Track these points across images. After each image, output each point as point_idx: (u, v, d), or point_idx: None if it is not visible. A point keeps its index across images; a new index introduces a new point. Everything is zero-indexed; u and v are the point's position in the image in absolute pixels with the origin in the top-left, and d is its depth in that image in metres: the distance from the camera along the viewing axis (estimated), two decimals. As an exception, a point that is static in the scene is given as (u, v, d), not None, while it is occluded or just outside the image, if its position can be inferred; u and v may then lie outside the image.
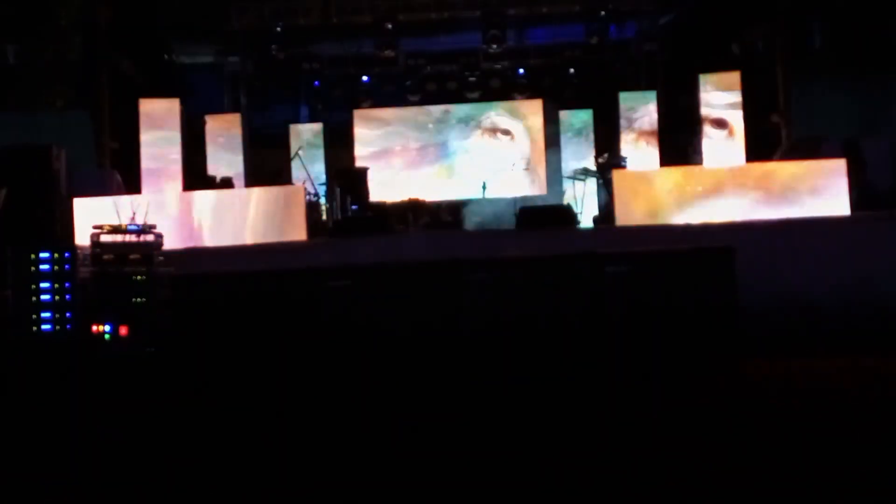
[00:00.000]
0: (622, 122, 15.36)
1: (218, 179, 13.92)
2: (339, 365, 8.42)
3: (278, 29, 16.85)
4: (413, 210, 15.18)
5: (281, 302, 8.58)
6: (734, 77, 14.16)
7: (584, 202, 13.44)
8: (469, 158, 17.83)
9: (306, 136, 16.46)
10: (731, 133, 12.75)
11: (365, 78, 18.07)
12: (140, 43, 15.14)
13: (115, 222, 8.80)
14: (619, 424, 6.21)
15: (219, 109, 16.65)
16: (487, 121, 17.97)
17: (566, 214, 11.92)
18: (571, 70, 17.57)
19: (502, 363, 8.31)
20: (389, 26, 16.60)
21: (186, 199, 11.58)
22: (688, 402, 6.99)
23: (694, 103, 14.76)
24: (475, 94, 18.10)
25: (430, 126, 18.01)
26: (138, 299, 8.42)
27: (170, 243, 9.23)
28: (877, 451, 5.17)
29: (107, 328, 8.35)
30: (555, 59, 17.53)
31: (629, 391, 7.48)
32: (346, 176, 13.59)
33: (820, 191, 10.78)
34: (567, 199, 14.76)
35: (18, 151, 10.49)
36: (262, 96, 17.85)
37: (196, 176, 14.42)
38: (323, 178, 15.55)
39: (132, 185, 12.98)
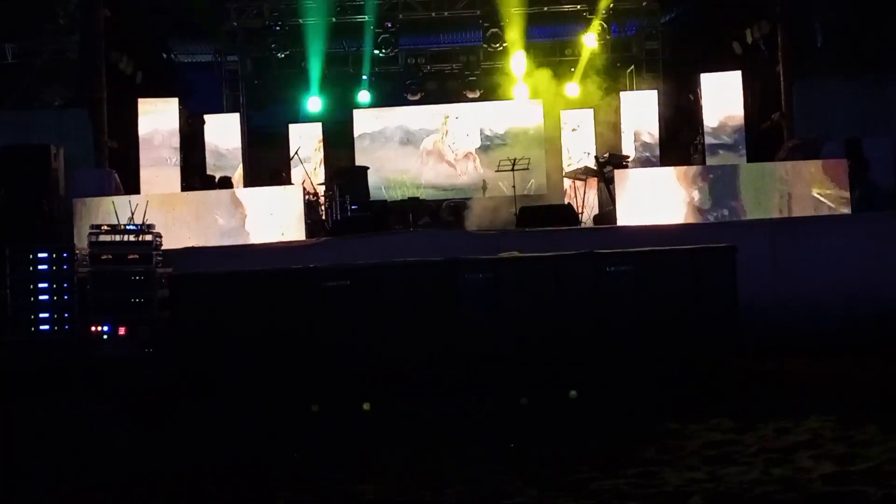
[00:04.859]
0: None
1: (217, 179, 13.88)
2: (338, 364, 8.39)
3: (277, 28, 16.81)
4: (413, 209, 15.13)
5: (280, 302, 8.55)
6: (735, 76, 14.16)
7: (584, 201, 13.41)
8: (469, 157, 17.80)
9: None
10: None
11: (365, 77, 18.02)
12: (139, 42, 15.08)
13: (114, 222, 8.78)
14: (619, 423, 6.18)
15: (218, 109, 16.59)
16: (488, 119, 17.93)
17: (567, 214, 11.88)
18: (572, 69, 17.52)
19: (502, 362, 8.28)
20: (389, 25, 16.55)
21: (185, 198, 11.54)
22: (688, 400, 6.97)
23: (695, 102, 14.74)
24: (475, 94, 18.05)
25: (431, 125, 17.97)
26: (137, 299, 8.40)
27: (168, 243, 9.20)
28: (877, 448, 5.15)
29: (105, 328, 8.33)
30: (555, 58, 17.47)
31: (630, 390, 7.46)
32: (345, 175, 13.54)
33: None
34: (568, 198, 14.72)
35: (17, 150, 10.45)
36: (261, 95, 17.79)
37: (195, 175, 14.38)
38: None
39: (131, 184, 12.94)
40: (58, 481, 5.21)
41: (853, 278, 9.34)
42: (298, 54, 17.53)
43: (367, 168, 14.18)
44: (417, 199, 16.29)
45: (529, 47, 17.83)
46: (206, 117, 15.69)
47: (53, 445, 6.27)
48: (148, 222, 8.81)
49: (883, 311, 9.13)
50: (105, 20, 12.99)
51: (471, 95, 18.02)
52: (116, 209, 9.16)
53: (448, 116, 17.84)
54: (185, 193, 12.53)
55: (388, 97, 18.29)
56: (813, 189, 10.73)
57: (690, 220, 10.63)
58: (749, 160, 13.43)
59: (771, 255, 9.44)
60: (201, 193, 12.05)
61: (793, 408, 6.47)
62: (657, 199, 10.79)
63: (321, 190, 13.59)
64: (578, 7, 16.64)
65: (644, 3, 16.66)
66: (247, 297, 8.59)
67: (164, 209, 10.51)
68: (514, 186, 13.98)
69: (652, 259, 8.63)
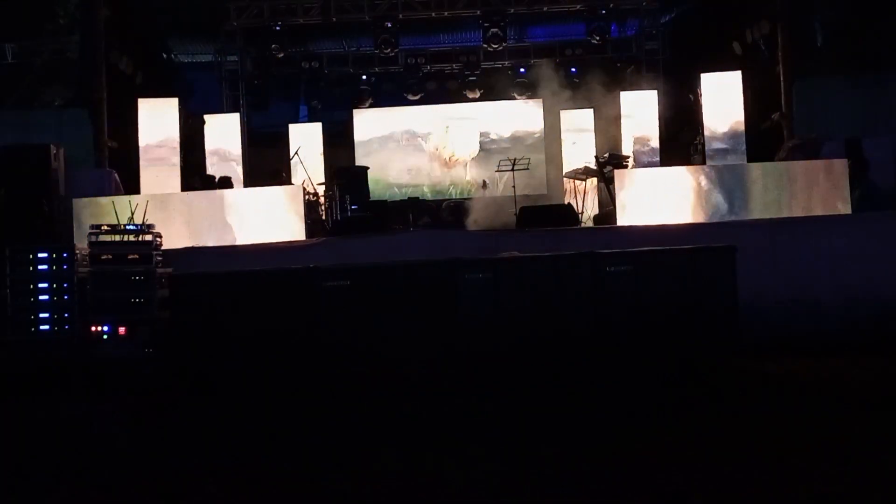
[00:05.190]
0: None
1: (217, 179, 13.88)
2: (338, 364, 8.39)
3: (277, 28, 16.81)
4: (413, 209, 15.13)
5: (280, 302, 8.55)
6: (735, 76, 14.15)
7: (584, 201, 13.40)
8: (469, 157, 17.81)
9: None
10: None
11: (364, 77, 18.04)
12: (139, 42, 15.08)
13: (114, 222, 8.77)
14: (620, 423, 6.18)
15: (218, 109, 16.59)
16: (488, 120, 17.93)
17: (567, 214, 11.88)
18: (573, 69, 17.53)
19: (502, 362, 8.29)
20: (389, 25, 16.56)
21: (186, 198, 11.54)
22: (688, 400, 6.97)
23: (696, 102, 14.74)
24: (475, 94, 18.06)
25: (432, 125, 17.97)
26: (137, 299, 8.40)
27: (168, 243, 9.20)
28: (878, 448, 5.15)
29: (105, 328, 8.32)
30: (556, 58, 17.48)
31: (630, 390, 7.46)
32: (345, 175, 13.54)
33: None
34: (568, 198, 14.71)
35: (17, 150, 10.45)
36: (261, 95, 17.80)
37: (195, 175, 14.38)
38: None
39: (131, 184, 12.94)
40: (58, 481, 5.21)
41: (853, 278, 9.34)
42: (298, 54, 17.55)
43: (367, 168, 14.19)
44: (417, 199, 16.29)
45: (530, 47, 17.86)
46: (206, 117, 15.68)
47: (53, 445, 6.27)
48: (148, 222, 8.80)
49: (883, 311, 9.12)
50: (105, 20, 12.98)
51: (471, 95, 18.03)
52: (116, 209, 9.16)
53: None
54: (184, 193, 12.52)
55: (388, 97, 18.30)
56: (812, 189, 10.73)
57: (690, 220, 10.62)
58: (749, 160, 13.42)
59: (771, 255, 9.43)
60: (201, 193, 12.03)
61: (793, 408, 6.48)
62: (657, 198, 10.78)
63: (321, 190, 13.59)
64: (579, 6, 16.64)
65: (644, 3, 16.66)
66: (247, 297, 8.60)
67: (163, 209, 10.51)
68: (514, 186, 13.98)
69: (652, 259, 8.64)
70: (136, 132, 13.76)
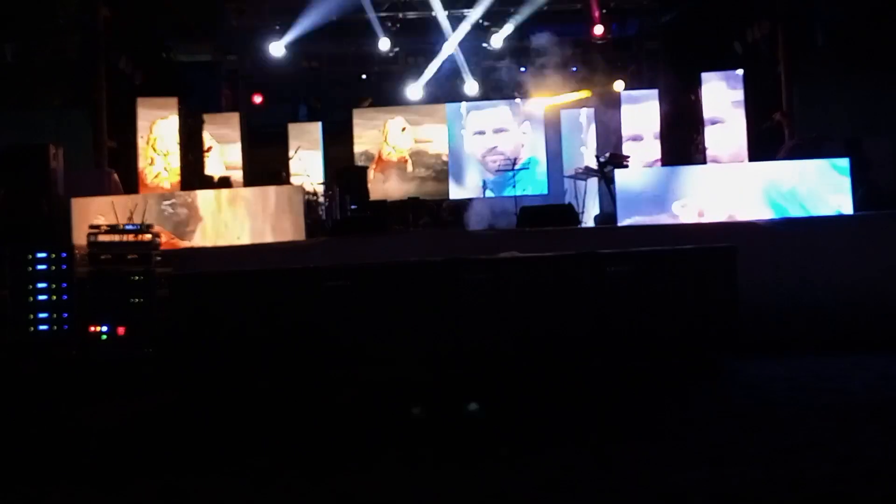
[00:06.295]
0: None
1: (216, 178, 13.88)
2: (337, 364, 8.38)
3: (277, 27, 16.82)
4: (413, 209, 15.14)
5: (280, 302, 8.54)
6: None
7: (585, 201, 13.41)
8: (469, 157, 17.80)
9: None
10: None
11: (364, 76, 18.05)
12: (139, 42, 15.09)
13: (113, 222, 8.77)
14: (619, 423, 6.18)
15: (218, 108, 16.60)
16: (488, 119, 17.93)
17: (567, 214, 11.88)
18: (573, 68, 17.53)
19: (502, 363, 8.28)
20: (389, 25, 16.56)
21: (185, 198, 11.54)
22: (689, 401, 6.96)
23: (696, 101, 14.75)
24: (476, 93, 18.07)
25: (431, 124, 17.97)
26: (136, 299, 8.38)
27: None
28: (877, 448, 5.15)
29: (104, 328, 8.31)
30: (556, 58, 17.48)
31: (630, 390, 7.45)
32: (345, 175, 13.56)
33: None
34: (568, 198, 14.72)
35: (16, 150, 10.46)
36: (260, 95, 17.81)
37: (194, 175, 14.39)
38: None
39: (130, 184, 12.96)
40: (57, 481, 5.21)
41: (853, 278, 9.31)
42: (298, 53, 17.56)
43: (367, 168, 14.20)
44: (417, 199, 16.31)
45: (529, 47, 17.88)
46: (206, 117, 15.70)
47: (53, 445, 6.27)
48: (147, 222, 8.80)
49: (883, 311, 9.10)
50: (105, 20, 12.99)
51: (471, 95, 18.04)
52: (115, 209, 9.16)
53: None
54: (184, 193, 12.53)
55: (387, 97, 18.31)
56: (811, 189, 10.73)
57: (691, 220, 10.62)
58: (749, 160, 13.43)
59: (771, 254, 9.42)
60: (201, 193, 12.05)
61: (793, 408, 6.47)
62: (658, 198, 10.77)
63: (321, 190, 13.60)
64: (579, 6, 16.65)
65: (644, 3, 16.67)
66: (247, 297, 8.59)
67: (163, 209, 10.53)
68: (514, 186, 13.98)
69: (652, 259, 8.62)
70: (135, 132, 13.78)
